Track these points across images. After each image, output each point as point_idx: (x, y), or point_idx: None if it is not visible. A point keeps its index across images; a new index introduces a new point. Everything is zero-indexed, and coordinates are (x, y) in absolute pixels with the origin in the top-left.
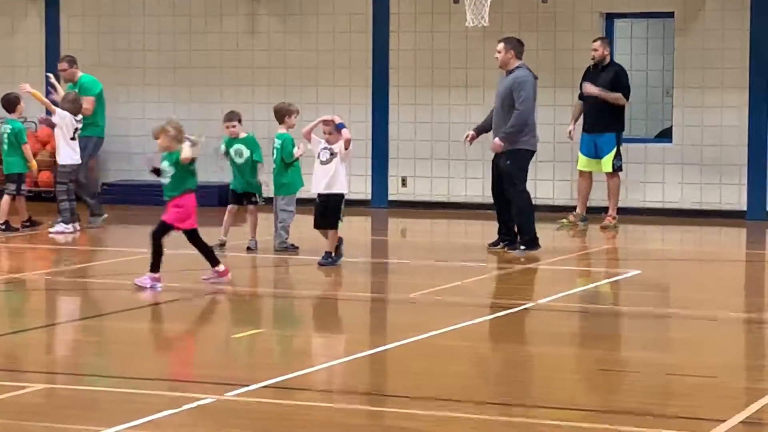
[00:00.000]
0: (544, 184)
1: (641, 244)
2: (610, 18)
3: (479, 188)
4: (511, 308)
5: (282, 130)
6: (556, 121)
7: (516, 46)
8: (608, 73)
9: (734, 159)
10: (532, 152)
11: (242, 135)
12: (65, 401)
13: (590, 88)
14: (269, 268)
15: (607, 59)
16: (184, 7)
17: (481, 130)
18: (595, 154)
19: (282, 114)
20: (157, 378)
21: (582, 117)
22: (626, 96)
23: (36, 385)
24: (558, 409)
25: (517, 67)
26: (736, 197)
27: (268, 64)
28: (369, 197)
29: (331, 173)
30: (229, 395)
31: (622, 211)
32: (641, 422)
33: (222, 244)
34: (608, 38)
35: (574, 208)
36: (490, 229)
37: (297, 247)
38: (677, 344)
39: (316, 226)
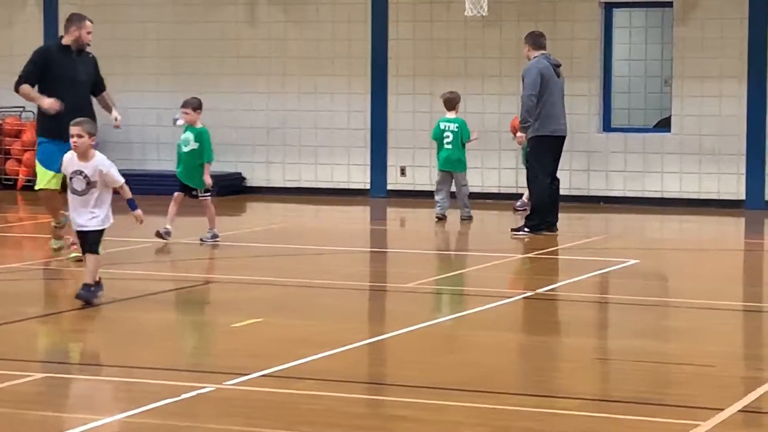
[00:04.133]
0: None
1: (640, 233)
2: (609, 7)
3: (478, 178)
4: (509, 297)
5: (451, 115)
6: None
7: (529, 38)
8: (91, 61)
9: (733, 148)
10: (552, 138)
11: (198, 125)
12: (64, 390)
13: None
14: (263, 258)
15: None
16: None
17: None
18: None
19: (455, 102)
20: (156, 367)
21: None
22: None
23: (35, 374)
24: (555, 398)
25: (534, 58)
26: (735, 186)
27: (268, 54)
28: (368, 187)
29: (91, 204)
30: (228, 384)
31: (622, 201)
32: (638, 411)
33: (167, 233)
34: (608, 28)
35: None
36: (490, 218)
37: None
38: (675, 333)
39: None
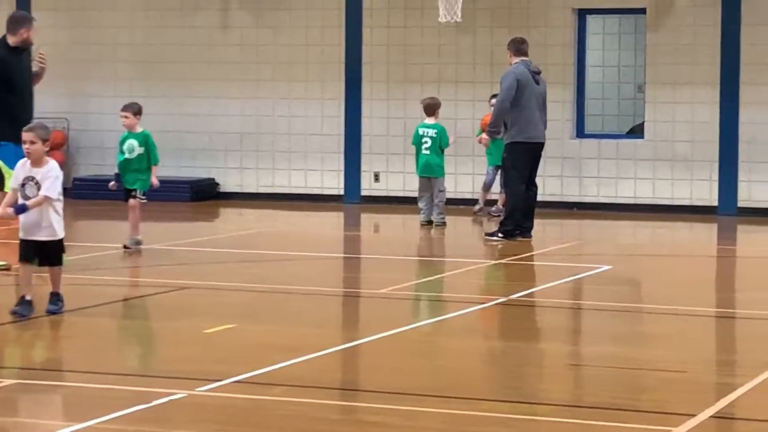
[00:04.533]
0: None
1: (613, 239)
2: (582, 14)
3: (452, 184)
4: (483, 303)
5: (431, 120)
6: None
7: (511, 45)
8: (30, 55)
9: (706, 155)
10: (528, 144)
11: (138, 129)
12: (36, 397)
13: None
14: (237, 263)
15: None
16: (156, 1)
17: None
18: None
19: (435, 108)
20: (128, 373)
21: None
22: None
23: (6, 380)
24: (528, 404)
25: (514, 64)
26: (708, 193)
27: (241, 59)
28: (342, 192)
29: (43, 214)
30: (200, 390)
31: (596, 207)
32: (611, 417)
33: (135, 243)
34: (581, 34)
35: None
36: (461, 223)
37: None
38: (648, 339)
39: (23, 259)
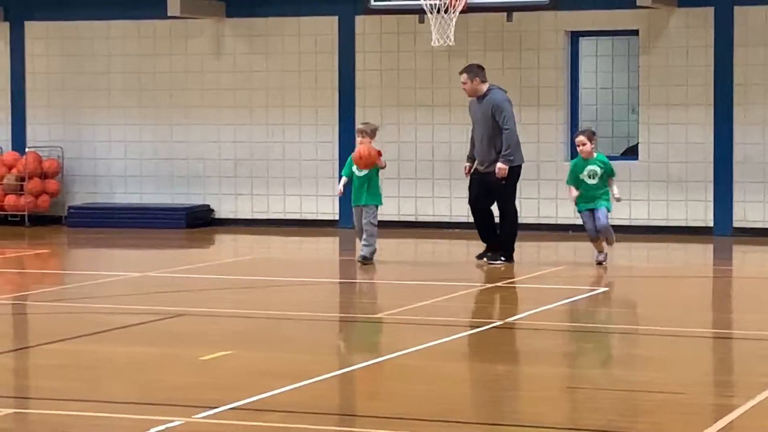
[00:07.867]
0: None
1: (609, 261)
2: (575, 36)
3: (446, 208)
4: (479, 327)
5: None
6: (521, 139)
7: (479, 72)
8: None
9: (700, 175)
10: (520, 167)
11: None
12: (33, 426)
13: None
14: (232, 290)
15: None
16: (148, 29)
17: (473, 157)
18: None
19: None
20: (124, 401)
21: None
22: None
23: (4, 409)
24: (525, 427)
25: (489, 90)
26: (703, 213)
27: (234, 86)
28: (337, 218)
29: None
30: (197, 417)
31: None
32: None
33: None
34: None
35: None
36: (458, 248)
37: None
38: (644, 361)
39: None
